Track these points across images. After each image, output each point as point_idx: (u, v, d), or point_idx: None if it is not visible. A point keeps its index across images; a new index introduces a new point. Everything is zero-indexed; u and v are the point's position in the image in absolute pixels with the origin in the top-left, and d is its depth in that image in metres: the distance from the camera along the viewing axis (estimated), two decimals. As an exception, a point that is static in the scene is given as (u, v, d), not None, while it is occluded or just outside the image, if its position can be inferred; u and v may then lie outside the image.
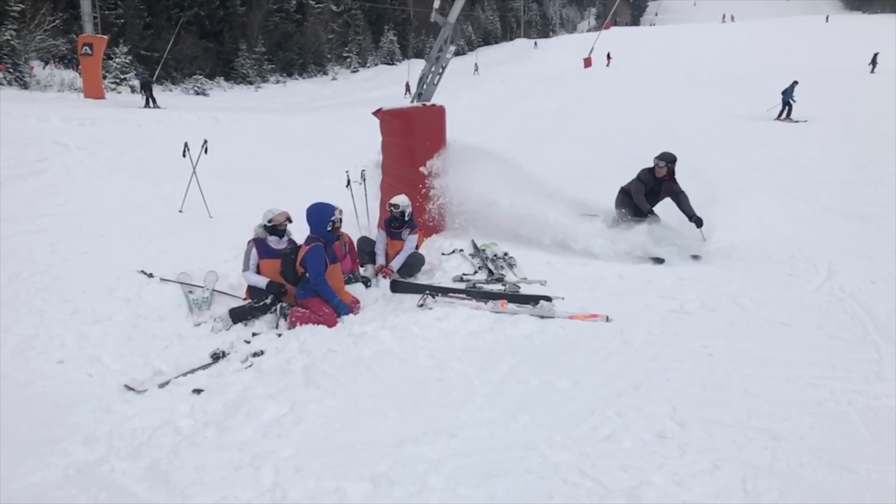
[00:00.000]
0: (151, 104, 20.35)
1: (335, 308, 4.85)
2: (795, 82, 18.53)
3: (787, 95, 18.33)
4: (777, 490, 2.49)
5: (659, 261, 6.02)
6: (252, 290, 5.16)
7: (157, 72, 26.39)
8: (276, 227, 5.17)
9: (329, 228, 4.93)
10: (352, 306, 5.02)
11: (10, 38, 25.90)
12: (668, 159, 6.58)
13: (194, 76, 37.53)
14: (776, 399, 3.25)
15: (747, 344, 4.04)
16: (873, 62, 27.47)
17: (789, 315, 4.59)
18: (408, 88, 28.01)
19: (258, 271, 5.16)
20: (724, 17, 72.24)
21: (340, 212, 5.07)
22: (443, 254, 6.36)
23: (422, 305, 4.72)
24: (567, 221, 6.60)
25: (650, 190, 6.67)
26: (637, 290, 5.20)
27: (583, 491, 2.51)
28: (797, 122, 17.63)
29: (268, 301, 4.97)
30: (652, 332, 4.27)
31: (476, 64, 43.21)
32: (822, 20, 55.96)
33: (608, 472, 2.62)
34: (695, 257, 6.16)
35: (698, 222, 6.32)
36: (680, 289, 5.22)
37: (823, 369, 3.63)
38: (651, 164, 6.69)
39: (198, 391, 3.67)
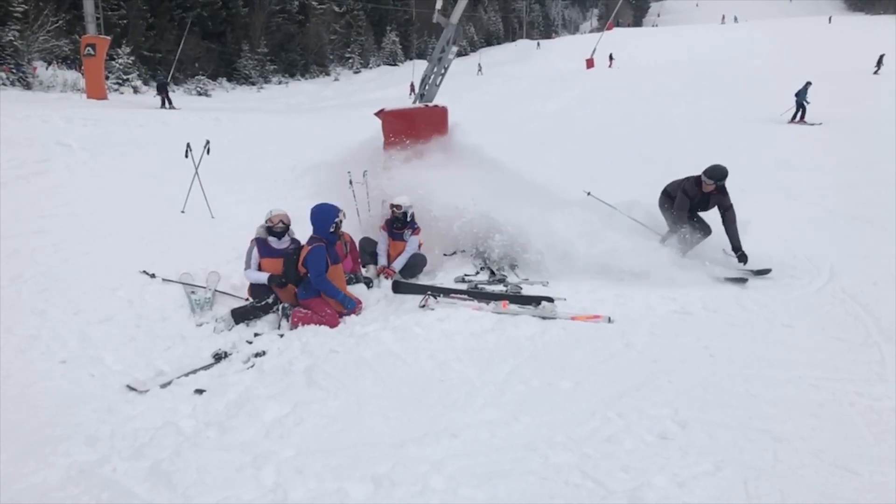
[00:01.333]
0: (168, 105, 20.56)
1: (341, 302, 4.86)
2: (809, 83, 17.80)
3: (801, 97, 17.68)
4: (779, 492, 2.49)
5: (742, 281, 5.51)
6: (254, 289, 5.17)
7: (171, 73, 26.47)
8: (272, 228, 5.18)
9: (332, 230, 4.94)
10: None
11: (13, 38, 25.88)
12: (717, 178, 5.89)
13: (197, 77, 37.55)
14: (778, 400, 3.25)
15: (749, 345, 4.04)
16: (879, 63, 27.16)
17: (791, 316, 4.59)
18: (413, 89, 28.03)
19: (259, 270, 5.17)
20: (723, 18, 72.04)
21: (343, 213, 5.10)
22: (444, 254, 6.36)
23: (423, 306, 4.72)
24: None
25: (696, 203, 6.12)
26: (639, 292, 5.20)
27: (584, 492, 2.51)
28: (812, 124, 16.97)
29: (269, 300, 4.98)
30: (654, 333, 4.27)
31: (479, 64, 43.21)
32: (825, 21, 55.75)
33: (609, 473, 2.62)
34: (764, 272, 5.73)
35: (742, 258, 5.86)
36: (681, 290, 5.21)
37: (825, 371, 3.63)
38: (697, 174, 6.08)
39: (200, 391, 3.68)
